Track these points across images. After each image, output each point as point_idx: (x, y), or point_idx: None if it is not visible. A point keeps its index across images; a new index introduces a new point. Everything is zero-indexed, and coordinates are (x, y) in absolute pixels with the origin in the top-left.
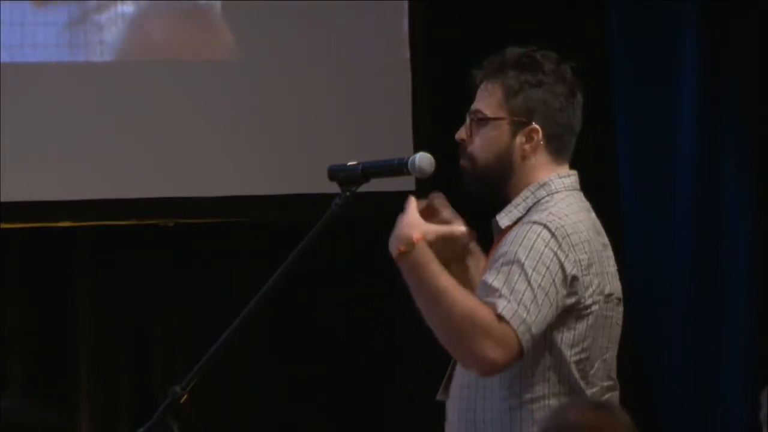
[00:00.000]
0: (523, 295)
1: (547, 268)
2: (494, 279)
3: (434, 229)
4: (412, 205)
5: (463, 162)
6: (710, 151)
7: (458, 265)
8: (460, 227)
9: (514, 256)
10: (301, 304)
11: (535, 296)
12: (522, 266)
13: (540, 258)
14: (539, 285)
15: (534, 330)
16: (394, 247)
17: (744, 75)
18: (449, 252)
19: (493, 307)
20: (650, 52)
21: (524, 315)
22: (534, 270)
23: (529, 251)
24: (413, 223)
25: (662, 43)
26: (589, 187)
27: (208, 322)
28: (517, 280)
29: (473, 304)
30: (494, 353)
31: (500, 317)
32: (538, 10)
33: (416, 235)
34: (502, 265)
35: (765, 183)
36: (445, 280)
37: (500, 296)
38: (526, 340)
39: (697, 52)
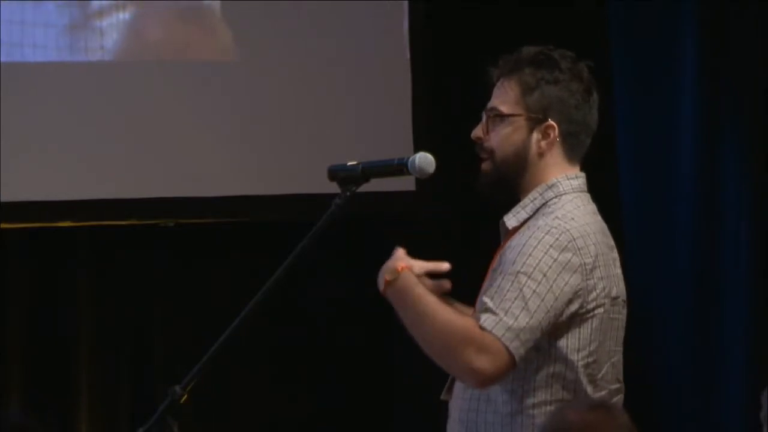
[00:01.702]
0: (512, 303)
1: (544, 275)
2: (487, 293)
3: (420, 264)
4: (400, 250)
5: (485, 165)
6: (710, 152)
7: None
8: (444, 264)
9: (512, 266)
10: (302, 303)
11: (525, 303)
12: (516, 275)
13: (537, 265)
14: (534, 291)
15: (523, 336)
16: (381, 279)
17: (744, 75)
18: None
19: (476, 320)
20: (650, 53)
21: (510, 322)
22: (529, 277)
23: (527, 259)
24: (398, 257)
25: (662, 44)
26: (589, 188)
27: (208, 322)
28: (509, 289)
29: (455, 318)
30: (480, 362)
31: (482, 328)
32: (538, 10)
33: (401, 264)
34: (499, 276)
35: (765, 184)
36: (428, 300)
37: (486, 310)
38: (515, 347)
39: (697, 52)
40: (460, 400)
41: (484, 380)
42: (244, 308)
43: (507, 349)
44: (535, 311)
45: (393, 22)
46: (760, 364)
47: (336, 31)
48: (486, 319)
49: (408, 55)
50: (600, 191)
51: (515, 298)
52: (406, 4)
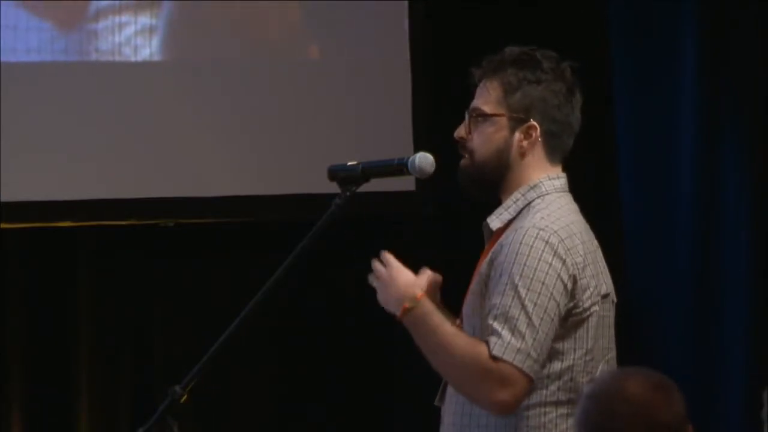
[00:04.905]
0: (517, 321)
1: (543, 283)
2: (489, 314)
3: (425, 280)
4: (395, 262)
5: (463, 161)
6: (710, 152)
7: None
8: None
9: (509, 277)
10: (301, 303)
11: (530, 319)
12: (515, 288)
13: (534, 275)
14: (535, 304)
15: (535, 353)
16: (398, 306)
17: (744, 75)
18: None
19: (487, 346)
20: (650, 53)
21: (518, 344)
22: (529, 289)
23: (523, 268)
24: (412, 282)
25: (662, 44)
26: (589, 188)
27: (208, 322)
28: (511, 305)
29: (470, 349)
30: (500, 395)
31: (494, 357)
32: (538, 10)
33: (419, 292)
34: (495, 289)
35: (765, 184)
36: (445, 329)
37: (492, 333)
38: (529, 366)
39: (697, 52)
40: (452, 404)
41: (506, 410)
42: (244, 308)
43: (522, 372)
44: (540, 323)
45: (393, 22)
46: (760, 364)
47: (336, 31)
48: (495, 346)
49: (408, 55)
50: (600, 191)
51: (519, 315)
52: (406, 4)
